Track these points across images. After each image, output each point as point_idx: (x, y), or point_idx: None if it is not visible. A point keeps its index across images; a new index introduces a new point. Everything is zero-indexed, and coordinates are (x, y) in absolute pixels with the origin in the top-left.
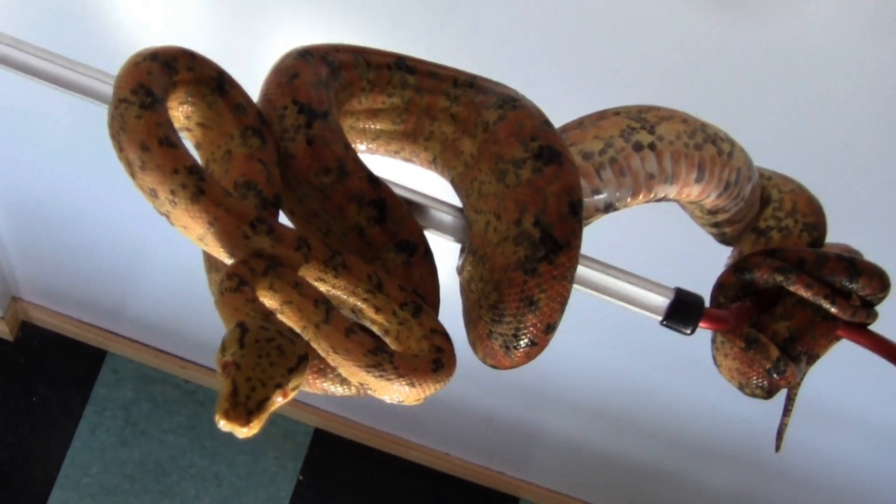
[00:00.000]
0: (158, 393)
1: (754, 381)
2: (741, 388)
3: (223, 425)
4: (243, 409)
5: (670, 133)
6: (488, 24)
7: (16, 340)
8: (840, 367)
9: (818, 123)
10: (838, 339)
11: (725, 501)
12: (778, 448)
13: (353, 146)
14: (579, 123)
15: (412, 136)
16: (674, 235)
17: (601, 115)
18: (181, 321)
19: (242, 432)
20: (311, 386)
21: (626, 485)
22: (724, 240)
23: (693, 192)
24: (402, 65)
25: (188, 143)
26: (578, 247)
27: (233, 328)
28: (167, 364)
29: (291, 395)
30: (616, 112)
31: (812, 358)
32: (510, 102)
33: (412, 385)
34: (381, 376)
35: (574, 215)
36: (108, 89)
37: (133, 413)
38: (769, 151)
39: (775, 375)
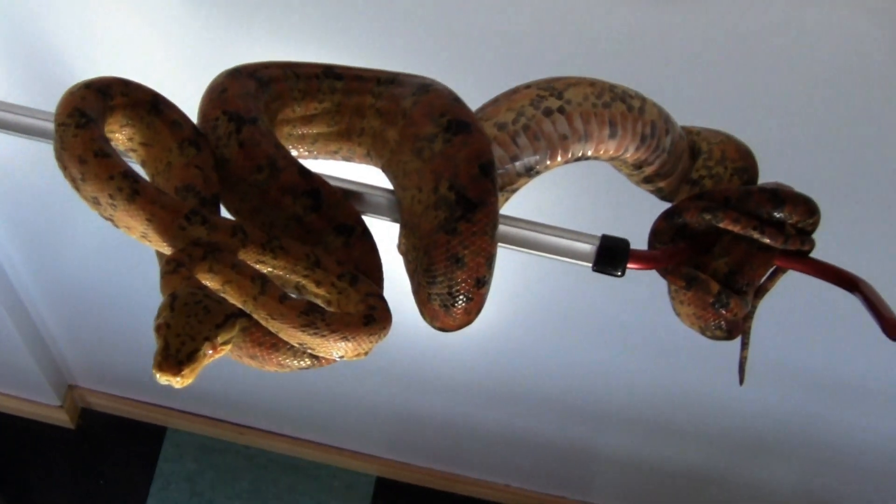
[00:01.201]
0: (220, 461)
1: (713, 324)
2: (702, 332)
3: (159, 378)
4: (174, 361)
5: (578, 96)
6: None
7: (77, 428)
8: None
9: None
10: (784, 271)
11: (791, 497)
12: (741, 381)
13: (295, 152)
14: (494, 100)
15: (346, 134)
16: (615, 198)
17: (514, 91)
18: (234, 388)
19: (177, 381)
20: (268, 362)
21: (687, 491)
22: (663, 196)
23: (610, 147)
24: (329, 73)
25: (135, 163)
26: (494, 203)
27: (165, 298)
28: (225, 432)
29: (223, 349)
30: (527, 86)
31: (760, 291)
32: (423, 88)
33: (346, 339)
34: (315, 333)
35: (485, 176)
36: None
37: (198, 484)
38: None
39: (720, 309)
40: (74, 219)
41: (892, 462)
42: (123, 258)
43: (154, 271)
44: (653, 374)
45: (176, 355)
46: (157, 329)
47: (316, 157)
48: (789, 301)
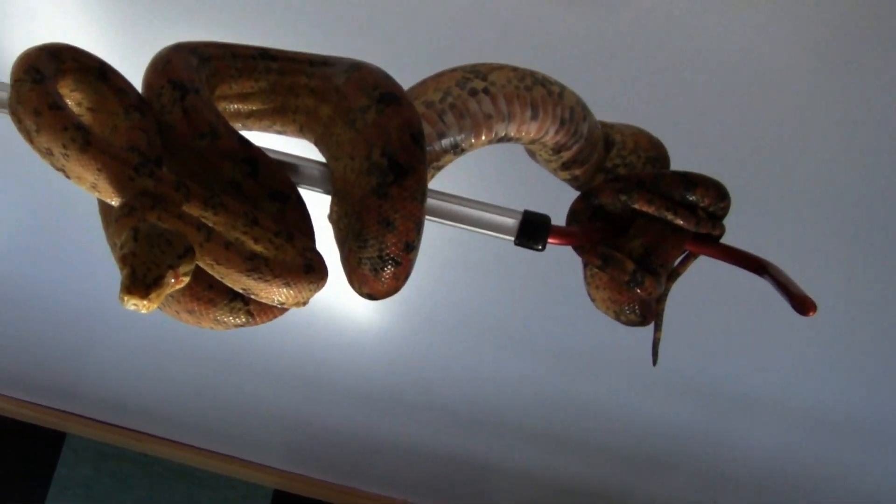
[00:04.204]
0: (117, 468)
1: (626, 308)
2: (616, 316)
3: (126, 301)
4: (142, 285)
5: (501, 79)
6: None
7: None
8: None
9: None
10: (695, 256)
11: None
12: (655, 362)
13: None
14: (422, 83)
15: (281, 111)
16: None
17: (440, 73)
18: (134, 395)
19: (144, 304)
20: (205, 318)
21: None
22: (578, 185)
23: (532, 129)
24: (265, 55)
25: None
26: (423, 171)
27: (127, 232)
28: (123, 439)
29: (183, 280)
30: (453, 69)
31: (673, 275)
32: (355, 67)
33: (288, 285)
34: (259, 278)
35: (415, 144)
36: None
37: (94, 490)
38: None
39: (635, 287)
40: None
41: (783, 474)
42: (33, 260)
43: (57, 272)
44: (552, 384)
45: (143, 280)
46: (123, 259)
47: (250, 131)
48: (692, 315)
